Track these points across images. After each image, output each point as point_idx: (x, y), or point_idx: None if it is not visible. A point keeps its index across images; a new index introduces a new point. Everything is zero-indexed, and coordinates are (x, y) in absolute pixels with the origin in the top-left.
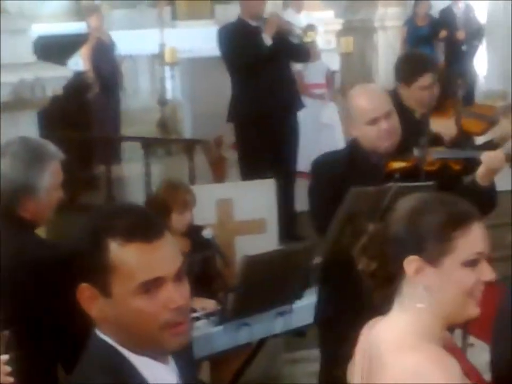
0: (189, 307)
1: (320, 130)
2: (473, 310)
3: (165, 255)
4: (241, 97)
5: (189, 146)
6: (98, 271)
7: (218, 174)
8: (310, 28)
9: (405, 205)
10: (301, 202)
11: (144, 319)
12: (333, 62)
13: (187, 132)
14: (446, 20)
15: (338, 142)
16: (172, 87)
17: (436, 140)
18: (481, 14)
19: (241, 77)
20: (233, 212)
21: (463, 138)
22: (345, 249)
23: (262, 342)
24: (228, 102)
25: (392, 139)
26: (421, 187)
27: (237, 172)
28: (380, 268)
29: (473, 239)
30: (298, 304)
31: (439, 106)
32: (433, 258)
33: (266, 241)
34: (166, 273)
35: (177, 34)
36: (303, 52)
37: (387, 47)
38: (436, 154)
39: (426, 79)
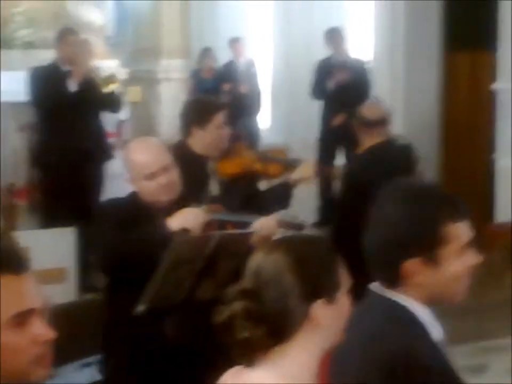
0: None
1: (111, 180)
2: (343, 335)
3: (33, 287)
4: (45, 142)
5: None
6: None
7: (9, 222)
8: (112, 78)
9: (270, 261)
10: None
11: (14, 353)
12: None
13: None
14: (229, 74)
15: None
16: None
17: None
18: (266, 71)
19: (46, 122)
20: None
21: (246, 179)
22: (168, 297)
23: None
24: (10, 148)
25: (171, 193)
26: (243, 235)
27: (28, 220)
28: (256, 310)
29: (343, 269)
30: None
31: (229, 152)
32: (333, 297)
33: (66, 291)
34: (36, 305)
35: None
36: (114, 102)
37: (171, 98)
38: (214, 215)
39: (221, 117)
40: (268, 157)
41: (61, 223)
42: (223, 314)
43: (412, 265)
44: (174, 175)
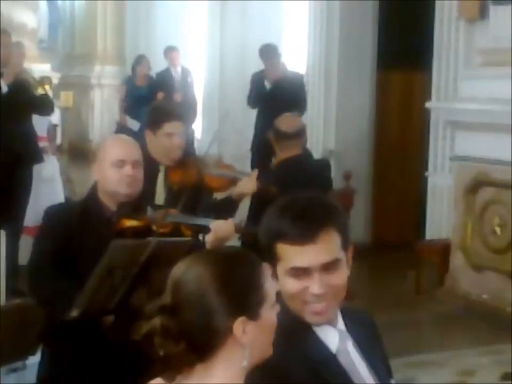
0: None
1: (41, 185)
2: (271, 349)
3: None
4: None
5: None
6: None
7: None
8: (46, 80)
9: (191, 275)
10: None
11: None
12: (53, 115)
13: None
14: (163, 82)
15: (58, 198)
16: None
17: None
18: (198, 83)
19: None
20: None
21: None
22: (102, 302)
23: None
24: None
25: (133, 188)
26: (179, 242)
27: None
28: (186, 348)
29: (272, 281)
30: (32, 360)
31: (183, 163)
32: (254, 313)
33: None
34: None
35: None
36: (46, 105)
37: (103, 104)
38: (169, 217)
39: (171, 126)
40: (214, 173)
41: None
42: (142, 330)
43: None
44: (140, 173)
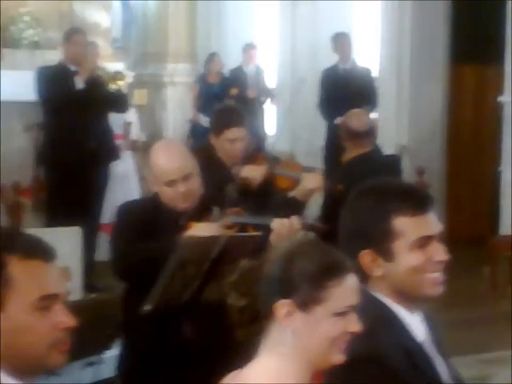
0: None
1: (115, 182)
2: (338, 357)
3: (58, 276)
4: (51, 140)
5: None
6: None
7: (15, 220)
8: (119, 75)
9: (281, 247)
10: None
11: (36, 336)
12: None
13: None
14: (236, 79)
15: (133, 195)
16: None
17: (243, 188)
18: (271, 78)
19: (53, 121)
20: None
21: (270, 190)
22: (174, 297)
23: None
24: (16, 147)
25: (189, 201)
26: (251, 237)
27: (33, 218)
28: (249, 305)
29: (347, 291)
30: (108, 355)
31: (249, 159)
32: (304, 304)
33: (70, 290)
34: (60, 292)
35: None
36: (121, 100)
37: (176, 102)
38: (232, 218)
39: (232, 133)
40: (282, 172)
41: (66, 222)
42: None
43: (365, 256)
44: (194, 183)
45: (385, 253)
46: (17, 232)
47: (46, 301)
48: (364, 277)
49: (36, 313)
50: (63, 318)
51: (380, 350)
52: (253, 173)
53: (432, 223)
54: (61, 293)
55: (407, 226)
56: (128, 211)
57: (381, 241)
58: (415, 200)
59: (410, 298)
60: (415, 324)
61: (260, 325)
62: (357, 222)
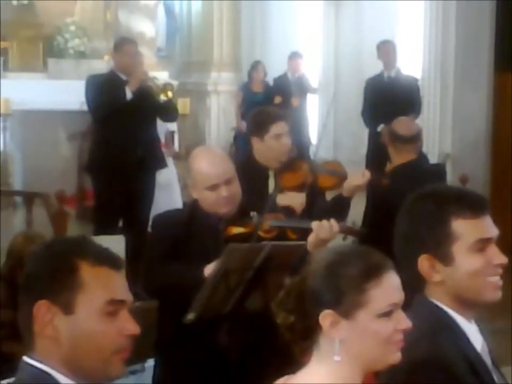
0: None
1: (158, 190)
2: (394, 357)
3: (125, 284)
4: (99, 148)
5: (28, 199)
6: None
7: (59, 228)
8: (168, 86)
9: (320, 257)
10: None
11: (101, 340)
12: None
13: (17, 185)
14: (280, 87)
15: (176, 203)
16: (3, 138)
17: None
18: (314, 84)
19: (101, 128)
20: None
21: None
22: (217, 306)
23: None
24: (60, 156)
25: (231, 205)
26: (293, 246)
27: (77, 227)
28: (297, 322)
29: (387, 290)
30: (150, 363)
31: (290, 165)
32: (347, 312)
33: None
34: (126, 299)
35: (9, 86)
36: (170, 111)
37: (219, 110)
38: (271, 222)
39: (278, 127)
40: (323, 170)
41: (110, 231)
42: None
43: (424, 261)
44: (235, 188)
45: (444, 257)
46: (88, 240)
47: (113, 306)
48: (421, 283)
49: (103, 318)
50: (129, 325)
51: (444, 356)
52: (294, 200)
53: (490, 226)
54: (127, 300)
55: (465, 229)
56: (161, 223)
57: (439, 244)
58: (474, 203)
59: (469, 304)
60: (473, 332)
61: (311, 340)
62: (415, 226)
